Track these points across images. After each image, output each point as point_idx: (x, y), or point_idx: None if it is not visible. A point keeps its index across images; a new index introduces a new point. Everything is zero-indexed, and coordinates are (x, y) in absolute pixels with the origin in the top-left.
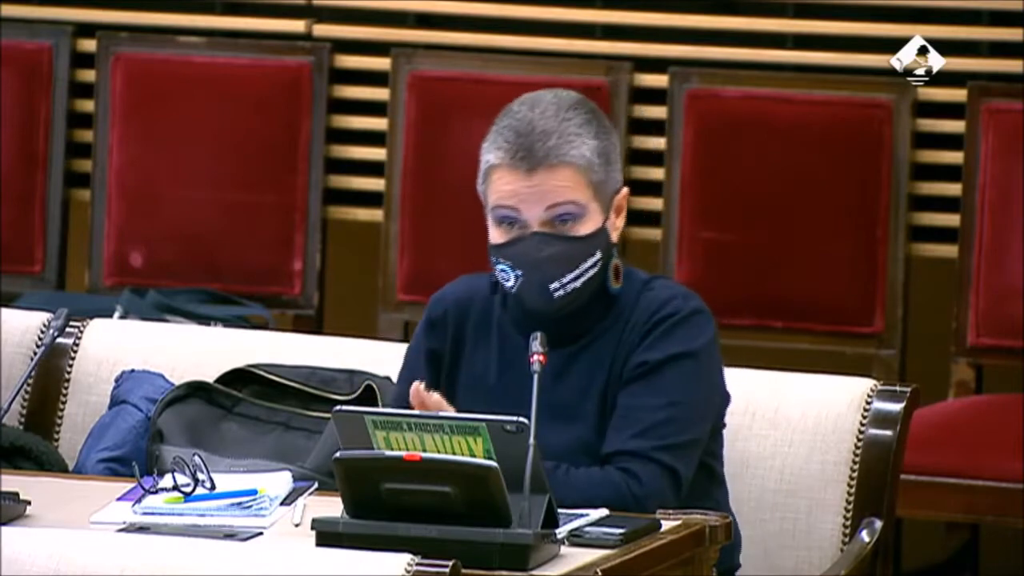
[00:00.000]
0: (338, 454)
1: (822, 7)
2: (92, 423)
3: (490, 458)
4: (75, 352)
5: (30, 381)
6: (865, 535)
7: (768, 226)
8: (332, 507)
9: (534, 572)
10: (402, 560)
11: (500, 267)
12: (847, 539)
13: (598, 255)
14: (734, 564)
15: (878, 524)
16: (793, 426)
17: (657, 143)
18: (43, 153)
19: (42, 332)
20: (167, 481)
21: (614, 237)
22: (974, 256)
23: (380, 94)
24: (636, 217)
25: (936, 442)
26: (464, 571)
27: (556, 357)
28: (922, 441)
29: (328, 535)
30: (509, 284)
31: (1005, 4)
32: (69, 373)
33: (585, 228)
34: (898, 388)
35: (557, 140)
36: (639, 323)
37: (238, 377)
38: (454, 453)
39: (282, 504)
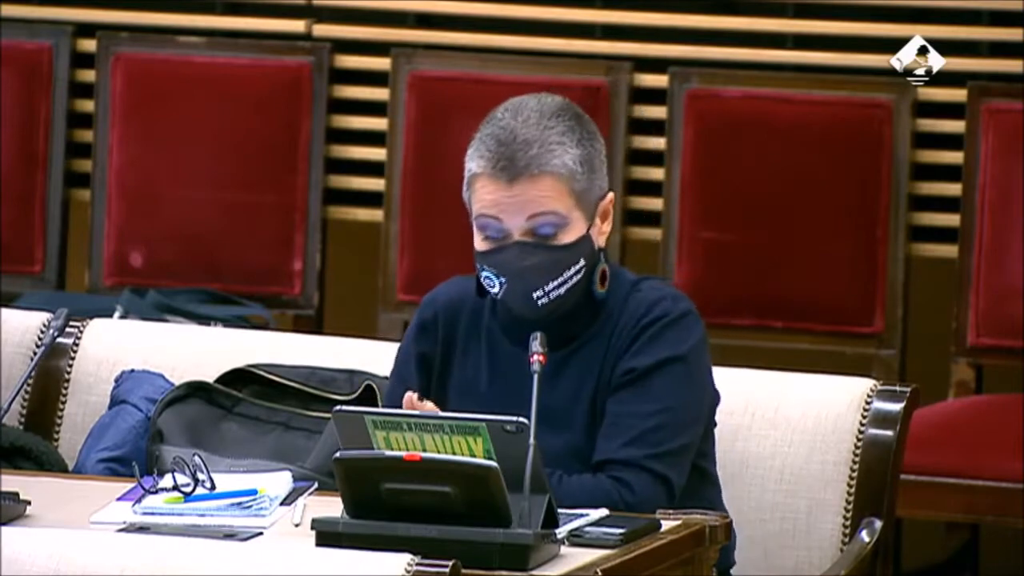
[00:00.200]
0: (338, 454)
1: (822, 7)
2: (92, 423)
3: (490, 458)
4: (75, 352)
5: (30, 381)
6: (865, 535)
7: (768, 226)
8: (332, 507)
9: (534, 572)
10: (402, 560)
11: (485, 274)
12: (847, 539)
13: (582, 262)
14: (729, 562)
15: (878, 524)
16: (793, 426)
17: (657, 143)
18: (43, 153)
19: (42, 332)
20: (167, 481)
21: (600, 242)
22: (974, 256)
23: (380, 94)
24: (636, 217)
25: (936, 442)
26: (464, 571)
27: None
28: (922, 441)
29: (328, 535)
30: (495, 290)
31: (1005, 4)
32: (69, 373)
33: (568, 237)
34: (898, 388)
35: (539, 149)
36: (627, 327)
37: (238, 377)
38: (454, 453)
39: (282, 504)
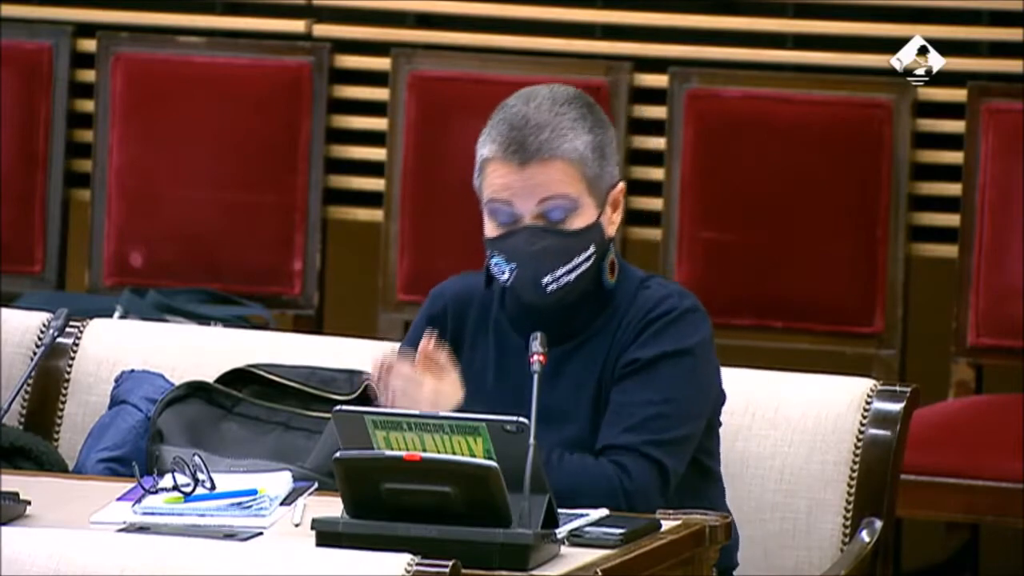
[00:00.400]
0: (338, 454)
1: (822, 7)
2: (92, 423)
3: (490, 458)
4: (75, 352)
5: (30, 381)
6: (865, 535)
7: (768, 226)
8: (332, 507)
9: (534, 572)
10: (402, 560)
11: (494, 260)
12: (847, 539)
13: (592, 249)
14: (732, 563)
15: (878, 524)
16: (793, 426)
17: (657, 143)
18: (43, 153)
19: (42, 332)
20: (167, 481)
21: (610, 232)
22: (974, 256)
23: (380, 94)
24: (636, 217)
25: (936, 442)
26: (464, 571)
27: (551, 356)
28: (922, 441)
29: (328, 535)
30: (504, 277)
31: (1005, 4)
32: (69, 373)
33: (578, 222)
34: (898, 388)
35: (550, 134)
36: (633, 321)
37: (238, 377)
38: (454, 453)
39: (282, 504)
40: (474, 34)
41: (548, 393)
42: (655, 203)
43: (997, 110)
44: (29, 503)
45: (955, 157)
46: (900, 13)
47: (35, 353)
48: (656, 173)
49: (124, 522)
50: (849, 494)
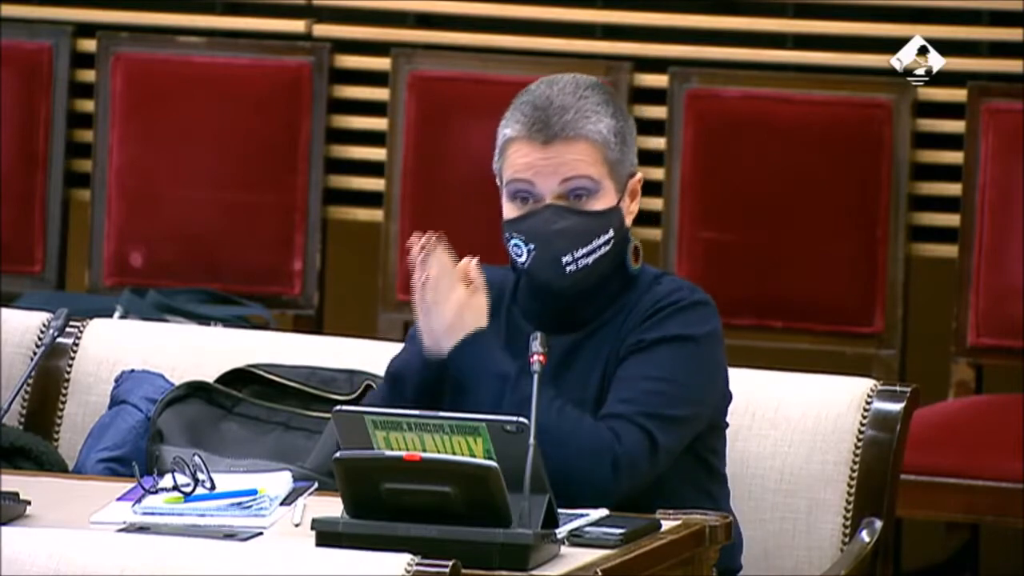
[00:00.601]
0: (338, 454)
1: (822, 7)
2: (92, 423)
3: (490, 458)
4: (75, 352)
5: (30, 381)
6: (865, 535)
7: (768, 226)
8: (332, 507)
9: (534, 572)
10: (402, 560)
11: (513, 242)
12: (847, 539)
13: (611, 232)
14: (735, 566)
15: (878, 524)
16: (793, 426)
17: (657, 143)
18: (43, 153)
19: (42, 332)
20: (167, 481)
21: (627, 221)
22: (974, 256)
23: (380, 94)
24: (636, 217)
25: (936, 442)
26: (464, 571)
27: (561, 344)
28: (922, 441)
29: (328, 535)
30: (522, 260)
31: (1005, 4)
32: (69, 373)
33: (599, 204)
34: (898, 388)
35: (574, 115)
36: (642, 311)
37: (238, 377)
38: (454, 453)
39: (282, 504)
40: (474, 34)
41: (556, 381)
42: (655, 203)
43: (997, 110)
44: (29, 503)
45: (955, 157)
46: (900, 13)
47: (35, 353)
48: (656, 173)
49: (124, 522)
50: (849, 494)
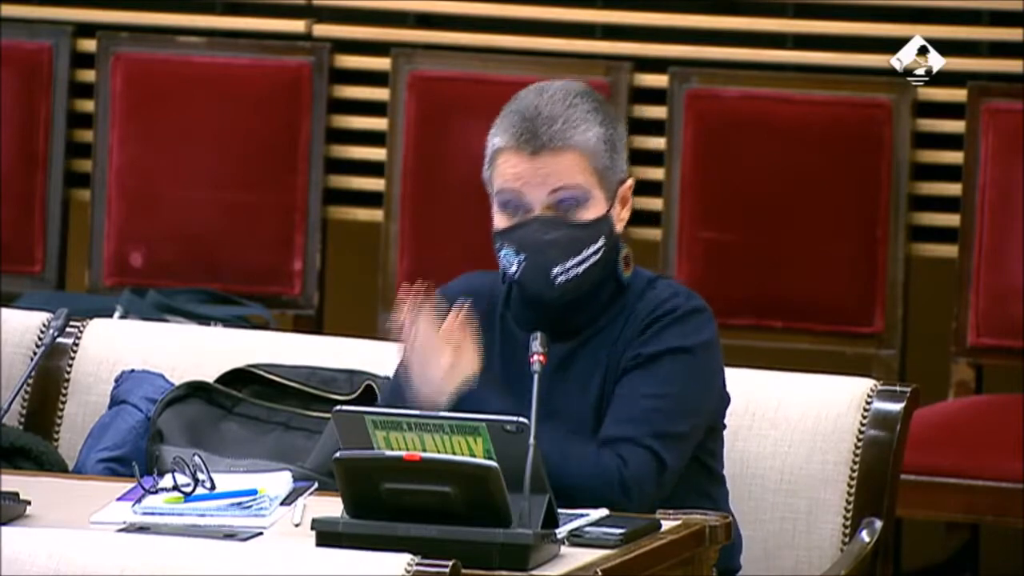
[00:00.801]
0: (338, 454)
1: (822, 7)
2: (92, 423)
3: (490, 458)
4: (75, 352)
5: (30, 381)
6: (865, 535)
7: (768, 226)
8: (332, 507)
9: (534, 572)
10: (402, 560)
11: (504, 252)
12: (847, 539)
13: (601, 242)
14: (735, 566)
15: (878, 524)
16: (793, 426)
17: (657, 143)
18: (43, 153)
19: (42, 332)
20: (167, 481)
21: (618, 228)
22: (974, 256)
23: (380, 94)
24: (636, 217)
25: (936, 442)
26: (464, 571)
27: (555, 353)
28: (922, 441)
29: (328, 535)
30: (512, 270)
31: (1005, 4)
32: (69, 373)
33: (589, 214)
34: (898, 388)
35: (562, 124)
36: (639, 319)
37: (238, 377)
38: (454, 453)
39: (282, 504)
40: (474, 34)
41: (552, 390)
42: (655, 203)
43: (997, 110)
44: (29, 503)
45: (955, 157)
46: (900, 13)
47: (35, 353)
48: (656, 173)
49: (124, 522)
50: (849, 494)
